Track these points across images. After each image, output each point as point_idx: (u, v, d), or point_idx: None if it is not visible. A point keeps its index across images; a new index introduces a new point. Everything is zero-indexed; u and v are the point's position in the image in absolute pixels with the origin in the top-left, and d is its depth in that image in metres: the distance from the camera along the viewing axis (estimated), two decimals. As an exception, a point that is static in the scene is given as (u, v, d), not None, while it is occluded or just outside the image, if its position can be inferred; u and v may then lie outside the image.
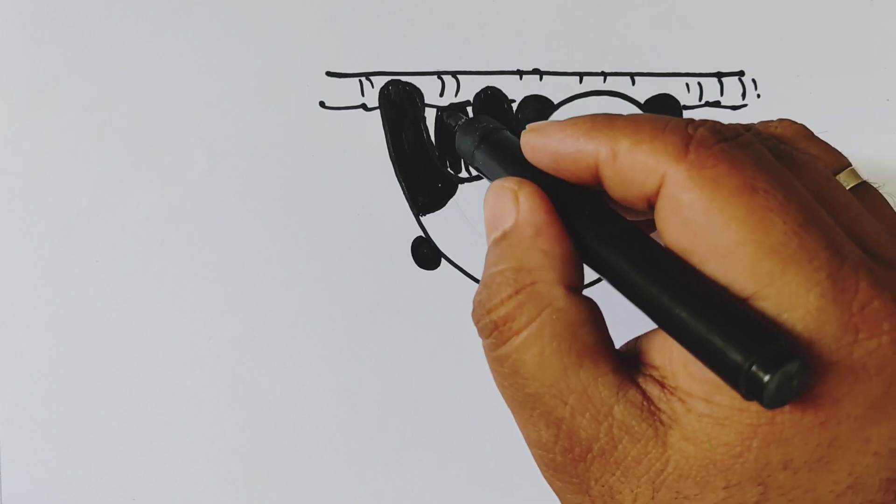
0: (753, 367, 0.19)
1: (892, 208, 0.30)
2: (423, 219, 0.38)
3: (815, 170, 0.25)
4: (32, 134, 0.37)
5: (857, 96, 0.39)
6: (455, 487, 0.39)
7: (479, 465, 0.39)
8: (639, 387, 0.23)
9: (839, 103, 0.39)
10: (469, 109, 0.38)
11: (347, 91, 0.38)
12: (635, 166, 0.23)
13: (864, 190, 0.29)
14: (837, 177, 0.28)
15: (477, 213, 0.38)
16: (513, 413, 0.26)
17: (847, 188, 0.28)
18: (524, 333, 0.24)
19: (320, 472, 0.39)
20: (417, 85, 0.38)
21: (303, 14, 0.38)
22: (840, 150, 0.39)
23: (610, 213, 0.25)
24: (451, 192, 0.38)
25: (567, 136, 0.25)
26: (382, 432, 0.39)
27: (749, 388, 0.19)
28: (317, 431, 0.38)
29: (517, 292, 0.24)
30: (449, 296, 0.38)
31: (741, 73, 0.38)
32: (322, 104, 0.38)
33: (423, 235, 0.38)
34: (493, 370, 0.26)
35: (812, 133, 0.31)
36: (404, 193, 0.38)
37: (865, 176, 0.39)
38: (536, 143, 0.26)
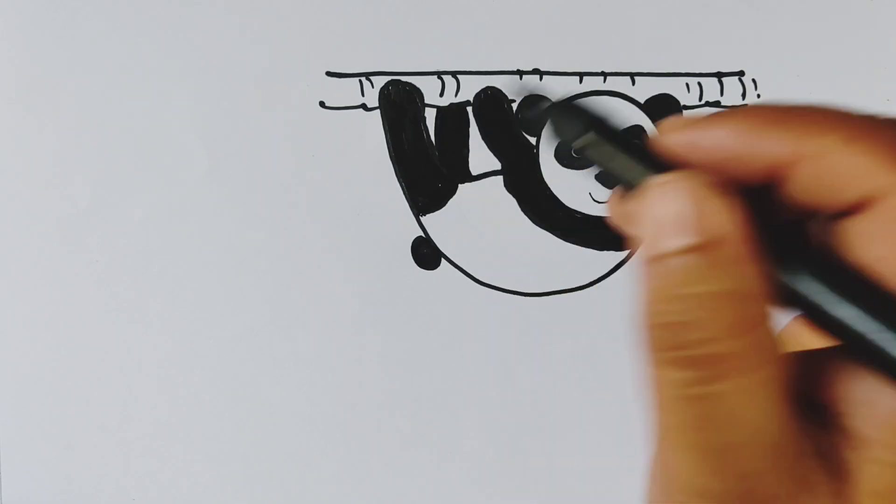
0: None
1: None
2: (423, 219, 0.38)
3: None
4: (32, 134, 0.37)
5: (857, 96, 0.39)
6: (455, 487, 0.39)
7: (479, 464, 0.39)
8: (825, 436, 0.21)
9: (839, 103, 0.39)
10: (469, 110, 0.38)
11: (347, 91, 0.38)
12: (841, 169, 0.20)
13: None
14: None
15: (477, 214, 0.38)
16: (676, 455, 0.22)
17: None
18: (747, 378, 0.20)
19: (320, 472, 0.39)
20: (417, 85, 0.38)
21: (303, 14, 0.38)
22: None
23: (793, 229, 0.21)
24: (451, 192, 0.38)
25: (741, 130, 0.20)
26: (382, 432, 0.39)
27: None
28: (317, 431, 0.38)
29: (750, 328, 0.20)
30: (449, 296, 0.38)
31: (741, 73, 0.38)
32: (322, 104, 0.38)
33: (423, 235, 0.38)
34: (671, 406, 0.22)
35: None
36: (404, 193, 0.38)
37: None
38: (690, 139, 0.21)
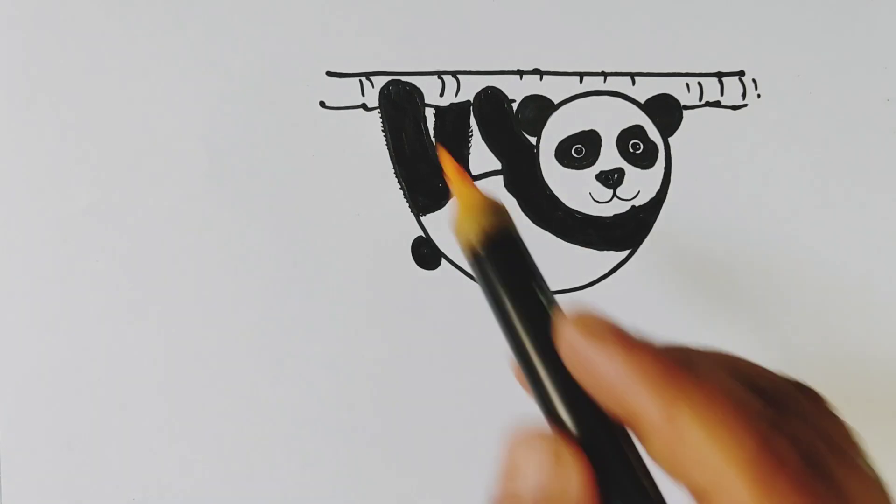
0: None
1: None
2: (423, 219, 0.38)
3: (879, 488, 0.21)
4: (32, 134, 0.37)
5: (857, 96, 0.39)
6: (455, 485, 0.39)
7: (479, 463, 0.39)
8: None
9: (839, 103, 0.39)
10: (470, 110, 0.38)
11: (347, 91, 0.38)
12: (688, 450, 0.19)
13: None
14: None
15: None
16: None
17: None
18: None
19: (320, 472, 0.39)
20: (417, 85, 0.38)
21: (303, 14, 0.38)
22: (840, 149, 0.39)
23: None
24: (452, 192, 0.38)
25: (622, 370, 0.20)
26: (382, 432, 0.39)
27: None
28: (317, 431, 0.38)
29: None
30: (449, 296, 0.38)
31: (741, 73, 0.38)
32: (322, 104, 0.38)
33: (423, 235, 0.38)
34: None
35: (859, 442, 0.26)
36: (404, 193, 0.38)
37: (865, 177, 0.39)
38: (582, 351, 0.21)
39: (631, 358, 0.20)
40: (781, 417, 0.20)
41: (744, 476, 0.18)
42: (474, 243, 0.25)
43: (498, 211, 0.25)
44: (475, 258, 0.25)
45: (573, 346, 0.21)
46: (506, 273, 0.24)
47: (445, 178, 0.27)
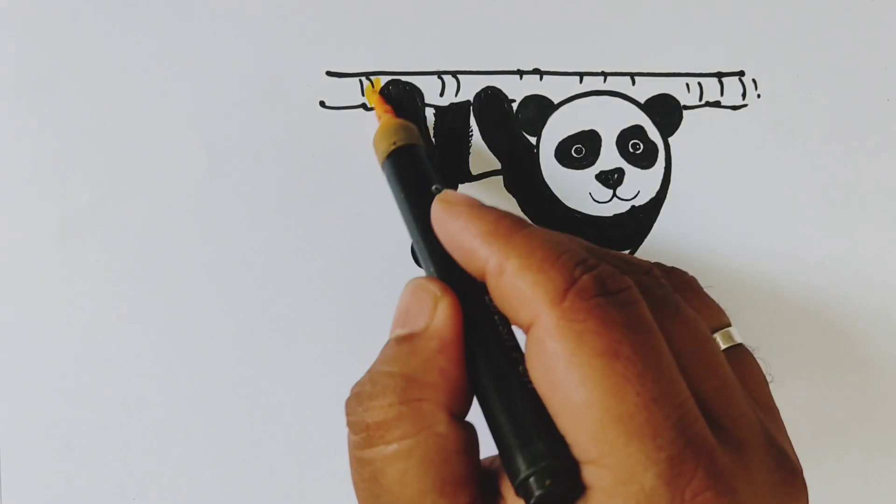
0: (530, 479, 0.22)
1: (762, 375, 0.30)
2: (423, 219, 0.38)
3: (696, 329, 0.25)
4: (32, 134, 0.37)
5: (857, 96, 0.39)
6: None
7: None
8: None
9: (839, 103, 0.39)
10: (470, 110, 0.38)
11: (347, 91, 0.38)
12: (514, 293, 0.23)
13: (739, 353, 0.29)
14: (714, 335, 0.28)
15: (477, 213, 0.38)
16: None
17: (722, 348, 0.28)
18: (394, 446, 0.24)
19: (320, 473, 0.39)
20: (417, 85, 0.38)
21: (303, 14, 0.38)
22: (840, 149, 0.39)
23: (496, 341, 0.25)
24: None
25: (468, 228, 0.25)
26: (382, 432, 0.39)
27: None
28: (317, 432, 0.38)
29: (401, 402, 0.24)
30: (449, 296, 0.38)
31: (741, 73, 0.38)
32: (322, 104, 0.38)
33: (423, 235, 0.38)
34: (352, 465, 0.26)
35: (700, 287, 0.31)
36: (404, 193, 0.38)
37: (865, 177, 0.39)
38: (441, 218, 0.26)
39: (473, 219, 0.25)
40: (598, 264, 0.23)
41: (550, 306, 0.22)
42: (386, 152, 0.33)
43: (406, 129, 0.34)
44: (384, 163, 0.33)
45: (435, 216, 0.26)
46: (401, 171, 0.32)
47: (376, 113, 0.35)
